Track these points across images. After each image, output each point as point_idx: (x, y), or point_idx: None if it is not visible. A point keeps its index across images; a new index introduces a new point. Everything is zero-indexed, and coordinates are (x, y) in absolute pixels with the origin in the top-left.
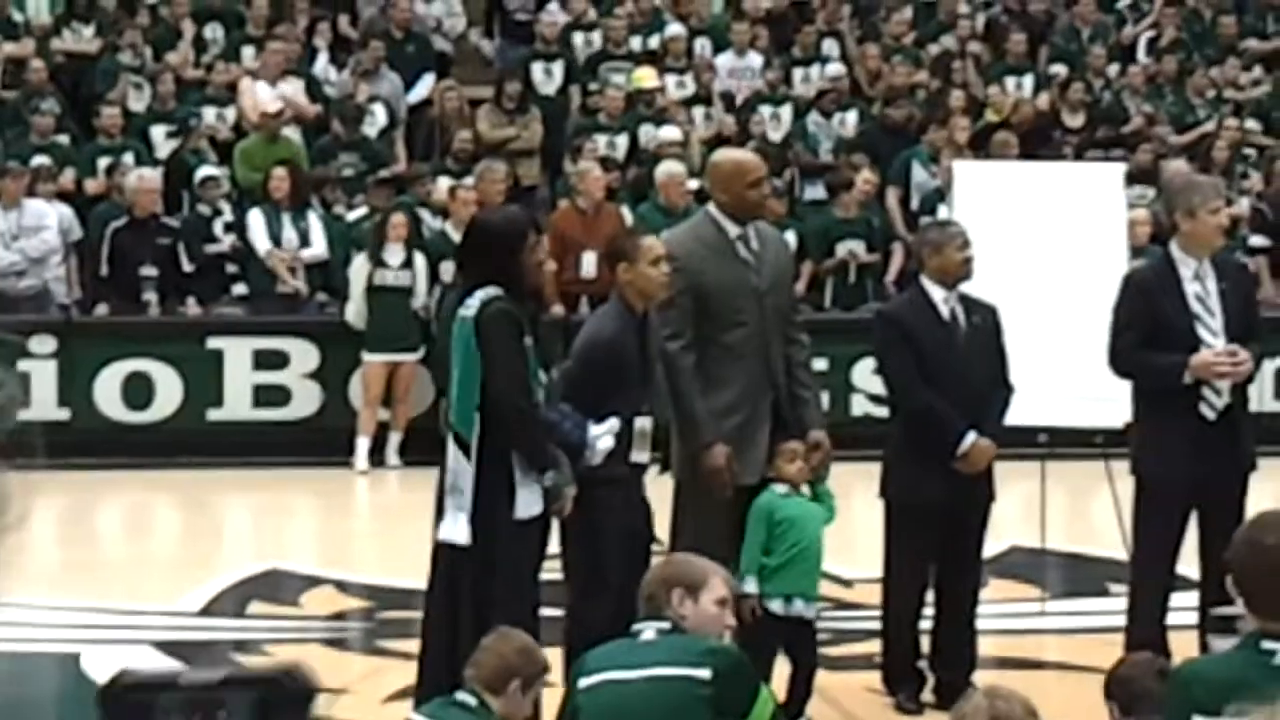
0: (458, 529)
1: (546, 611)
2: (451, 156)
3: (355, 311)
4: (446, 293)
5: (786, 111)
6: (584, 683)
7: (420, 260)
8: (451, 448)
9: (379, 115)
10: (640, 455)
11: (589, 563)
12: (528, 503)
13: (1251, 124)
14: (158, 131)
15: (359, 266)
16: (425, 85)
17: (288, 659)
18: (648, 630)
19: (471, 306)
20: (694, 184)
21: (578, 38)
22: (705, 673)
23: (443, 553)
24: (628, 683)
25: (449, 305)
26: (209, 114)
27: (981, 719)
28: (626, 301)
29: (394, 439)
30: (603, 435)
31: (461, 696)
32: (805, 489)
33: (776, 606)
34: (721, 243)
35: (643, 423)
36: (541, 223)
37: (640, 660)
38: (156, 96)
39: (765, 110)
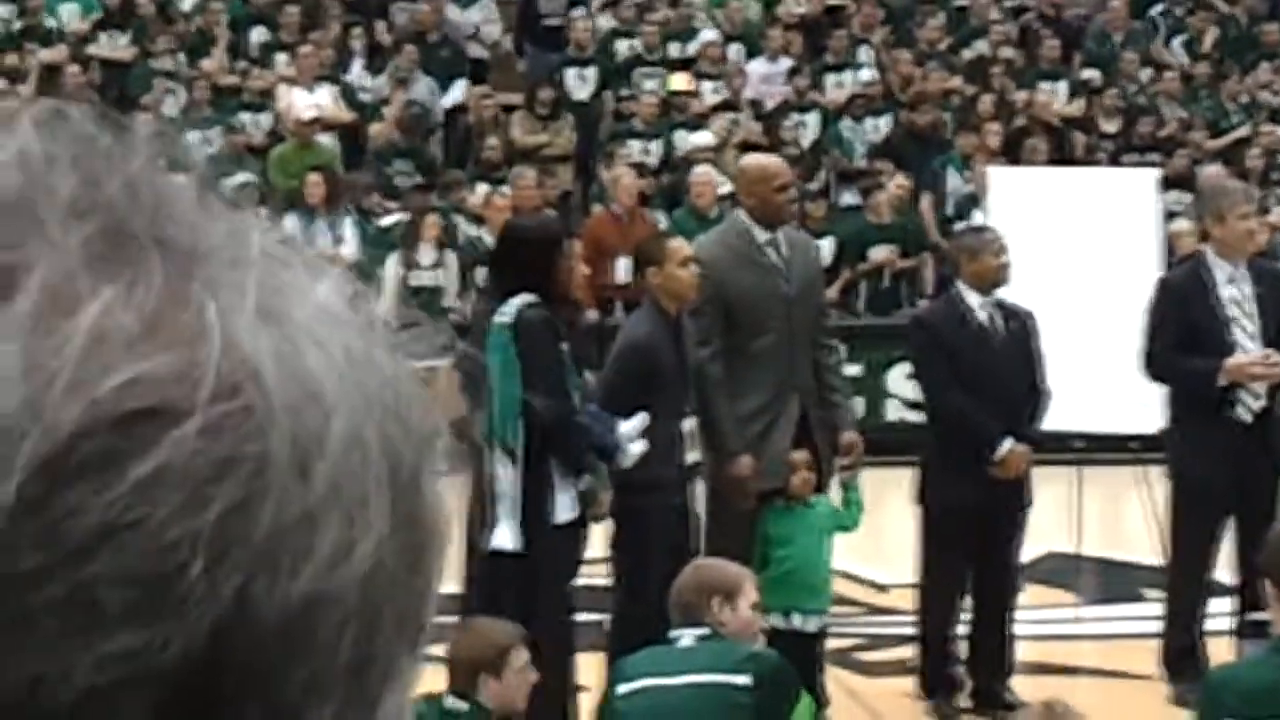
0: (507, 536)
1: (587, 616)
2: (480, 164)
3: (385, 310)
4: (480, 299)
5: (813, 118)
6: (623, 689)
7: (452, 259)
8: (491, 455)
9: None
10: (691, 455)
11: (633, 569)
12: (565, 507)
13: None
14: (192, 138)
15: (392, 266)
16: (458, 90)
17: None
18: (686, 637)
19: (507, 314)
20: (727, 188)
21: (613, 44)
22: (746, 679)
23: (481, 559)
24: (668, 689)
25: (482, 311)
26: (244, 120)
27: None
28: (659, 305)
29: None
30: (633, 437)
31: (452, 703)
32: (824, 497)
33: (776, 621)
34: (750, 249)
35: (688, 423)
36: (575, 228)
37: (680, 667)
38: (192, 102)
39: (793, 116)
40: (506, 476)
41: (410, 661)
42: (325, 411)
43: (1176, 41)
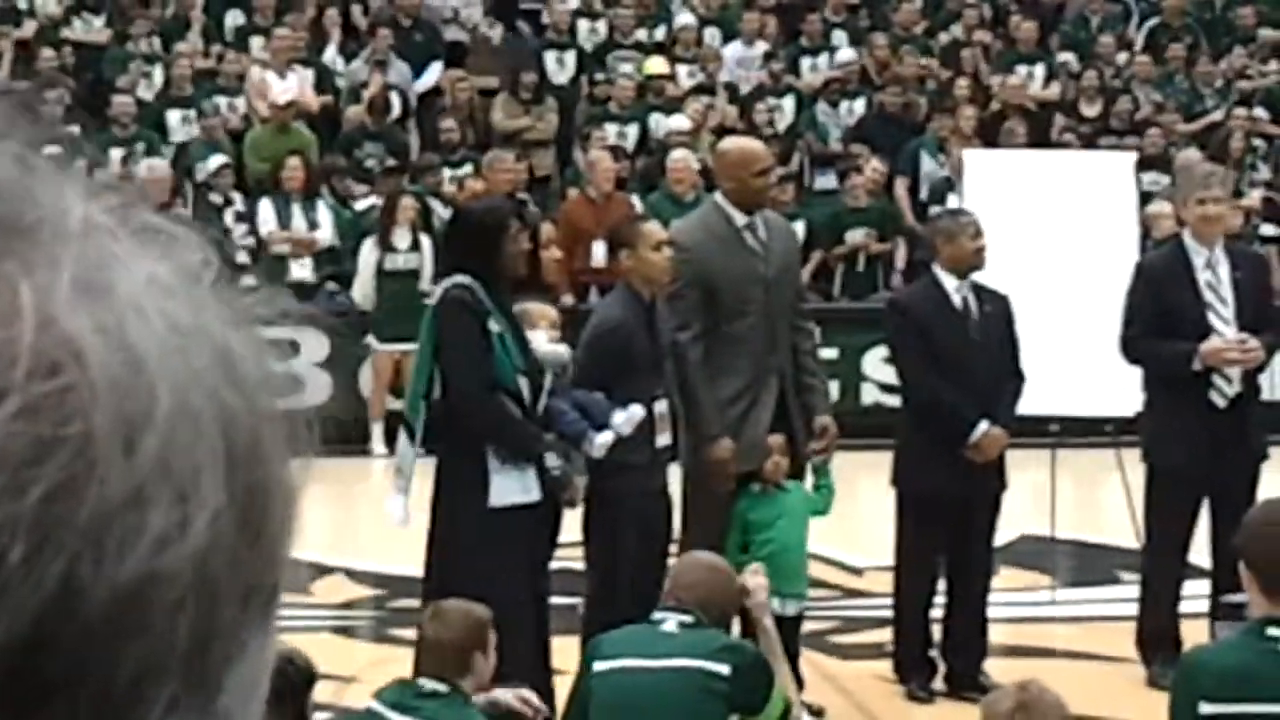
0: (393, 510)
1: (560, 600)
2: (440, 147)
3: (362, 293)
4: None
5: (789, 102)
6: (600, 666)
7: (427, 242)
8: (400, 432)
9: (394, 105)
10: (662, 439)
11: (606, 553)
12: (507, 490)
13: (1260, 112)
14: (174, 116)
15: (368, 251)
16: (433, 74)
17: (289, 646)
18: (669, 621)
19: (435, 295)
20: (696, 166)
21: (584, 26)
22: (724, 668)
23: (432, 542)
24: (645, 671)
25: None
26: (220, 104)
27: (1008, 702)
28: (633, 288)
29: None
30: (626, 428)
31: (430, 686)
32: (798, 483)
33: None
34: (729, 232)
35: (661, 407)
36: (552, 212)
37: (660, 650)
38: (173, 82)
39: (769, 100)
40: (404, 454)
41: (260, 636)
42: (150, 386)
43: (1145, 24)
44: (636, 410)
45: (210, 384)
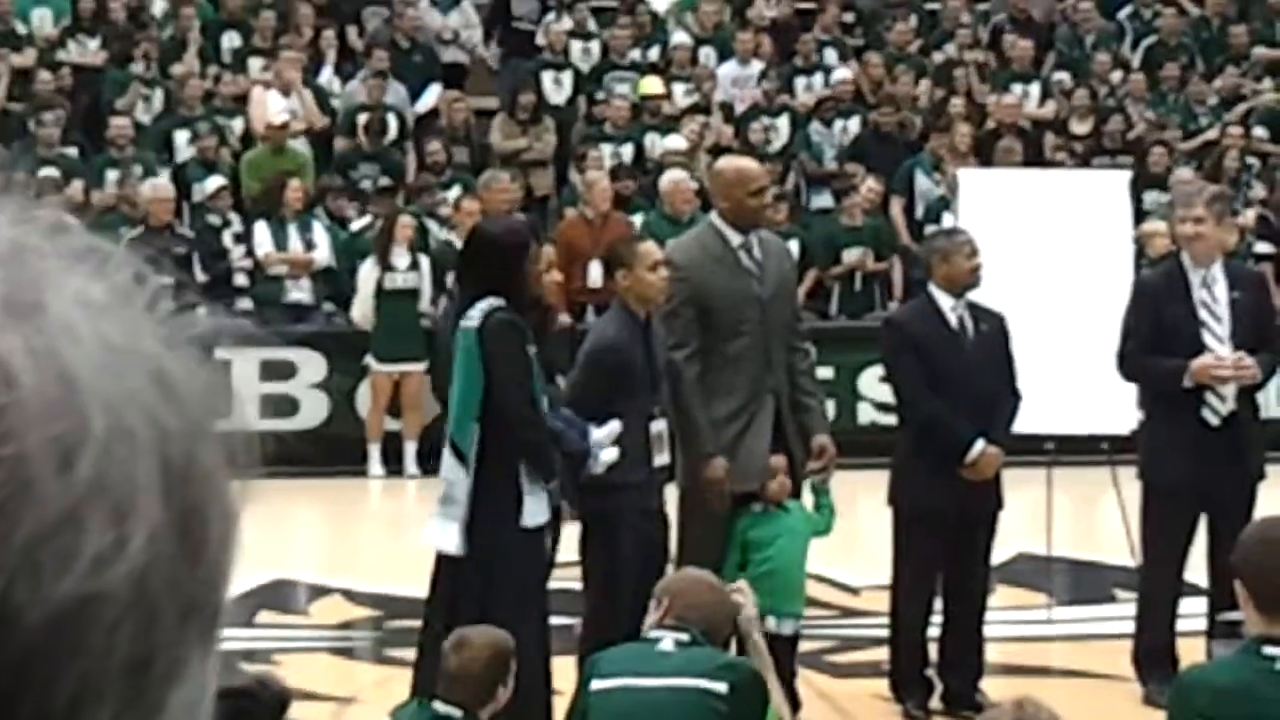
0: (448, 538)
1: (556, 620)
2: (429, 169)
3: (361, 312)
4: (449, 302)
5: (784, 121)
6: (597, 685)
7: (425, 262)
8: (447, 457)
9: (391, 126)
10: (660, 459)
11: (604, 572)
12: (537, 510)
13: (1259, 131)
14: (181, 137)
15: (367, 270)
16: (432, 95)
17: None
18: (666, 640)
19: (474, 317)
20: (693, 185)
21: (578, 47)
22: (722, 687)
23: (445, 562)
24: (643, 690)
25: (451, 315)
26: (218, 124)
27: None
28: (628, 307)
29: (409, 448)
30: (605, 443)
31: (445, 710)
32: (798, 502)
33: None
34: (724, 252)
35: (658, 426)
36: (550, 232)
37: (658, 669)
38: (183, 102)
39: (764, 119)
40: (457, 480)
41: (202, 656)
42: (83, 405)
43: (1141, 43)
44: (614, 425)
45: (145, 403)
